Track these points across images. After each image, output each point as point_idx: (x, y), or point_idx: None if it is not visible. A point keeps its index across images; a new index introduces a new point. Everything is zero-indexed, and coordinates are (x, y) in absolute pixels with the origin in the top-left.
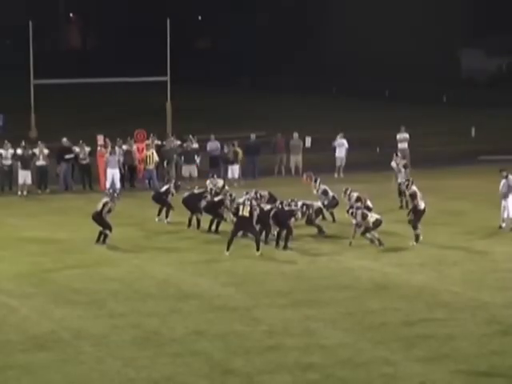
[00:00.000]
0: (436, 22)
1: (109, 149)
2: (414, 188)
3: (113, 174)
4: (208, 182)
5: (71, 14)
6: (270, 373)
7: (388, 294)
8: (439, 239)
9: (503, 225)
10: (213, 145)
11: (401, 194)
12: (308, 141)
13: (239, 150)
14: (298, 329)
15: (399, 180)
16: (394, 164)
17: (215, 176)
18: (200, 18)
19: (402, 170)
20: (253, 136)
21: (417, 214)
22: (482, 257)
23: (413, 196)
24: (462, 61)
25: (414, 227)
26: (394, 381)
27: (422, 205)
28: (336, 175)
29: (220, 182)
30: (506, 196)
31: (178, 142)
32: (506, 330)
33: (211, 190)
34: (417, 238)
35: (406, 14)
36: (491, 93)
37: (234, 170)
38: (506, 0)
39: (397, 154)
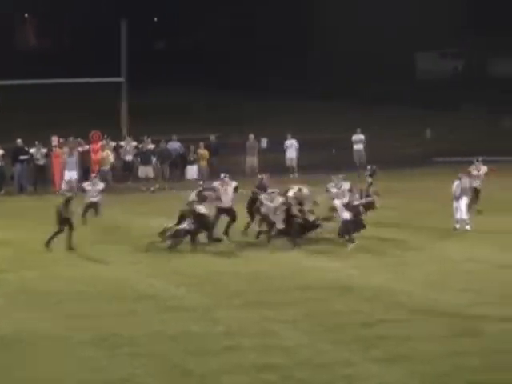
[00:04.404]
0: (392, 23)
1: (66, 150)
2: (336, 202)
3: (70, 177)
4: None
5: (26, 15)
6: (227, 374)
7: (348, 295)
8: (399, 241)
9: (457, 226)
10: (173, 145)
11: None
12: (264, 142)
13: (205, 151)
14: (257, 329)
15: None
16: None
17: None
18: (156, 19)
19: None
20: (212, 137)
21: (344, 224)
22: (442, 258)
23: (333, 209)
24: (418, 62)
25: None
26: (354, 382)
27: (345, 215)
28: (291, 176)
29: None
30: (459, 197)
31: (134, 143)
32: (464, 331)
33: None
34: (350, 240)
35: (363, 15)
36: (446, 94)
37: (193, 171)
38: (461, 3)
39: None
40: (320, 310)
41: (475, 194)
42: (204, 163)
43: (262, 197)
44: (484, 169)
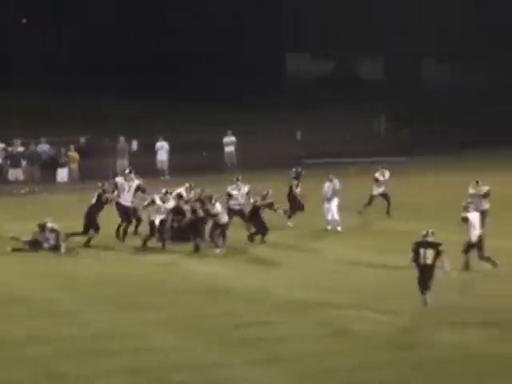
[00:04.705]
0: (261, 21)
1: None
2: (217, 207)
3: None
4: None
5: None
6: (99, 377)
7: (224, 298)
8: (275, 242)
9: (329, 227)
10: (43, 147)
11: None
12: (134, 144)
13: (75, 154)
14: (130, 332)
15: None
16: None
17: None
18: (25, 20)
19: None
20: (82, 139)
21: (219, 228)
22: (316, 259)
23: (214, 215)
24: (288, 63)
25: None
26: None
27: (224, 219)
28: (162, 178)
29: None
30: (330, 199)
31: (2, 146)
32: (336, 330)
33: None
34: (216, 246)
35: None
36: (316, 95)
37: (64, 173)
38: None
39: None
40: (195, 313)
41: (385, 198)
42: (75, 166)
43: (156, 196)
44: (388, 174)
